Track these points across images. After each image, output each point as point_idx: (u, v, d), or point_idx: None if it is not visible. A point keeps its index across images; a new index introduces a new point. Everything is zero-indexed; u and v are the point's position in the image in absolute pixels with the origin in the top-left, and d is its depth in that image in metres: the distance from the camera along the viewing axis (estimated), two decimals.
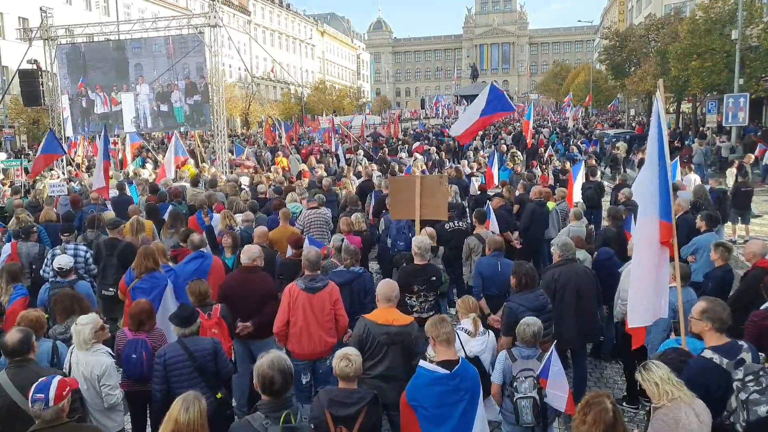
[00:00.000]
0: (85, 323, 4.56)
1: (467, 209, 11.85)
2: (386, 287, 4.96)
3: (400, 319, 4.83)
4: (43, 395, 3.44)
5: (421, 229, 7.49)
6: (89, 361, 4.52)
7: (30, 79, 21.13)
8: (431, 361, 4.23)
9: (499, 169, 15.75)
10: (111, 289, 7.38)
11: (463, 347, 4.86)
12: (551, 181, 14.75)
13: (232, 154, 22.19)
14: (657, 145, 4.59)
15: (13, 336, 4.20)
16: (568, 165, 16.02)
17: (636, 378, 3.69)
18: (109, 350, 4.72)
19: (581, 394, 6.02)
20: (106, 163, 11.70)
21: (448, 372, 4.00)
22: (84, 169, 19.87)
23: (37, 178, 15.99)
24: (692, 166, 15.78)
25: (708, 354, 4.06)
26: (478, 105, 10.37)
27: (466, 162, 17.72)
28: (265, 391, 3.48)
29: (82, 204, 11.01)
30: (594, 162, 17.13)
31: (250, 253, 6.15)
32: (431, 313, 6.07)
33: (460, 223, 9.01)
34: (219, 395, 4.75)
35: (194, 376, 4.63)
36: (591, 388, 6.74)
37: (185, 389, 4.37)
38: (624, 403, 6.38)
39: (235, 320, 5.79)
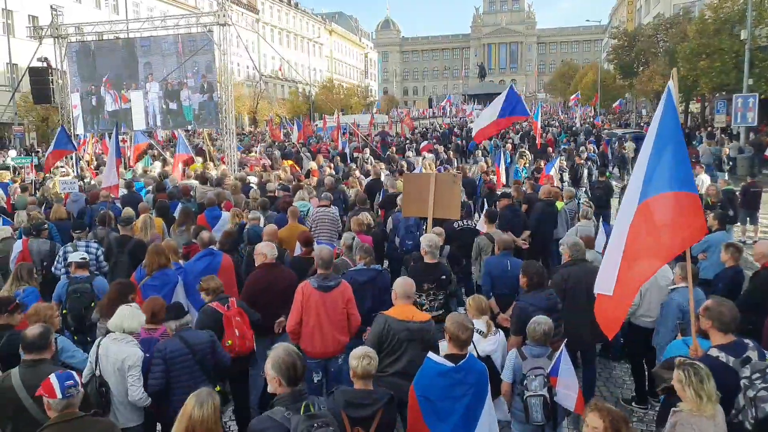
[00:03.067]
0: (138, 314, 4.73)
1: (477, 208, 11.88)
2: (405, 284, 4.98)
3: (419, 315, 4.87)
4: (73, 381, 3.51)
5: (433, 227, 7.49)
6: (122, 350, 4.60)
7: (40, 77, 21.22)
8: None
9: (507, 167, 15.77)
10: None
11: (475, 347, 4.88)
12: (556, 181, 14.73)
13: (248, 151, 22.24)
14: (672, 124, 4.48)
15: (34, 330, 4.23)
16: (542, 163, 16.02)
17: (676, 375, 3.60)
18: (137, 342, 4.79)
19: (590, 395, 6.06)
20: (118, 160, 11.79)
21: (454, 365, 4.04)
22: (93, 167, 19.97)
23: (47, 175, 16.11)
24: (703, 166, 15.70)
25: (714, 352, 4.08)
26: (495, 107, 10.45)
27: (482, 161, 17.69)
28: (291, 380, 3.48)
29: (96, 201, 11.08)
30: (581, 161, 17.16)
31: (268, 249, 6.24)
32: (440, 312, 6.10)
33: (470, 222, 9.03)
34: (218, 388, 4.81)
35: (195, 369, 4.69)
36: (600, 389, 6.78)
37: (186, 383, 4.49)
38: (633, 403, 6.40)
39: (268, 317, 5.84)
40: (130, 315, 4.71)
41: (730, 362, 3.92)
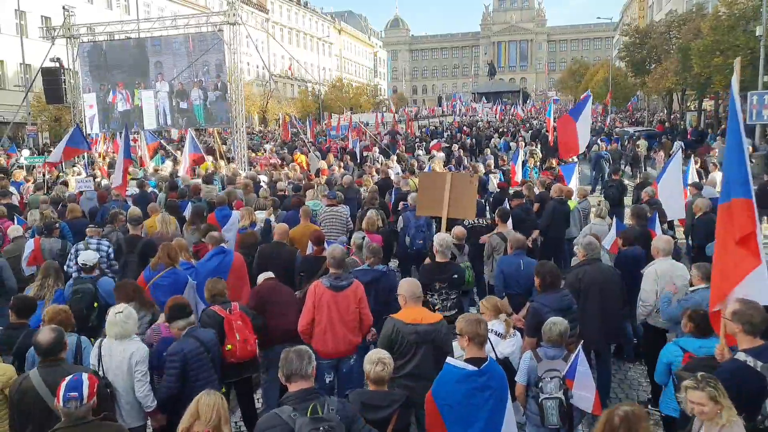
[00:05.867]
0: (129, 316, 4.64)
1: (487, 207, 11.79)
2: (411, 285, 4.89)
3: (429, 317, 4.78)
4: (77, 393, 3.44)
5: (448, 227, 7.42)
6: (128, 347, 4.55)
7: (53, 77, 21.40)
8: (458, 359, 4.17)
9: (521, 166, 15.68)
10: None
11: (494, 349, 4.77)
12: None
13: (252, 152, 22.27)
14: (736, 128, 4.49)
15: (46, 335, 4.17)
16: (554, 162, 15.86)
17: (706, 396, 3.43)
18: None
19: (605, 397, 5.97)
20: (127, 161, 11.79)
21: (477, 369, 3.92)
22: (106, 166, 20.05)
23: (60, 174, 16.17)
24: (717, 164, 15.45)
25: (741, 356, 3.96)
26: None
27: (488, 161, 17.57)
28: (287, 377, 3.48)
29: (107, 200, 11.12)
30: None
31: (265, 274, 6.20)
32: (453, 312, 6.02)
33: (480, 220, 8.95)
34: (223, 389, 4.79)
35: (209, 367, 4.69)
36: (615, 390, 6.68)
37: (202, 381, 4.49)
38: (649, 406, 6.28)
39: (275, 318, 5.78)
40: (122, 321, 4.58)
41: (758, 367, 3.80)
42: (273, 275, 6.17)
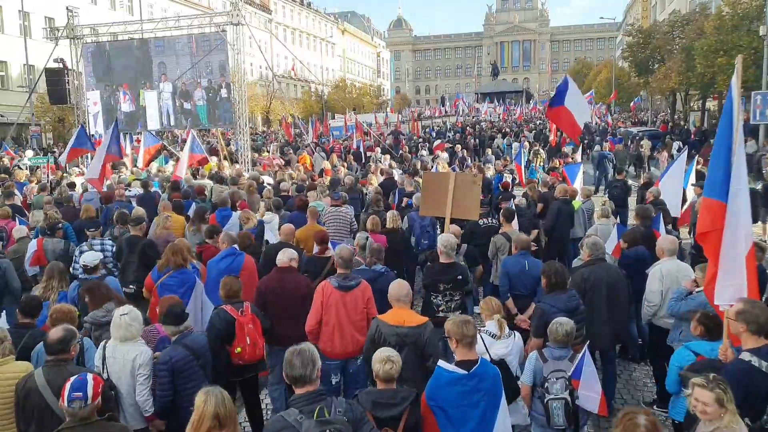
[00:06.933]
0: (135, 318, 4.62)
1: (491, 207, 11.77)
2: (396, 287, 4.89)
3: (412, 320, 4.77)
4: (81, 393, 3.43)
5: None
6: (131, 349, 4.53)
7: (56, 78, 21.45)
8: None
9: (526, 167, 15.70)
10: (131, 286, 7.36)
11: (487, 350, 4.76)
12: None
13: (256, 152, 22.27)
14: (725, 123, 4.49)
15: (56, 333, 4.21)
16: (558, 162, 15.81)
17: (716, 396, 3.36)
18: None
19: (610, 397, 5.95)
20: (108, 156, 11.79)
21: (466, 372, 3.93)
22: (110, 166, 20.02)
23: (64, 174, 16.19)
24: None
25: (746, 357, 3.94)
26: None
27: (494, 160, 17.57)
28: (292, 379, 3.45)
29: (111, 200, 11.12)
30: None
31: (288, 253, 6.10)
32: (458, 313, 6.00)
33: (493, 220, 8.96)
34: None
35: (200, 374, 4.65)
36: (620, 391, 6.66)
37: (191, 390, 4.36)
38: (654, 407, 6.26)
39: (276, 321, 5.74)
40: (127, 323, 4.57)
41: (762, 367, 3.79)
42: (291, 259, 6.03)
